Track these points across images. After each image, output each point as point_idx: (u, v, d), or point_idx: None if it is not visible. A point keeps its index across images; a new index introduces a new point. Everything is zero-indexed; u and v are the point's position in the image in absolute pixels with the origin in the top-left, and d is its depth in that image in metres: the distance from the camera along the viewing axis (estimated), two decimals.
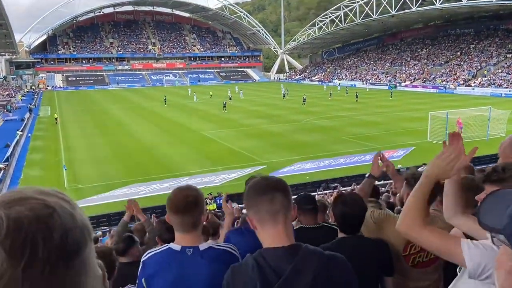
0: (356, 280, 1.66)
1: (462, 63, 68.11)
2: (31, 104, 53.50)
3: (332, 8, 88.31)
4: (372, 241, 2.68)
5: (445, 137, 24.46)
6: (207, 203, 14.97)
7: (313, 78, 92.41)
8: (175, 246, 2.10)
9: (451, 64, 69.37)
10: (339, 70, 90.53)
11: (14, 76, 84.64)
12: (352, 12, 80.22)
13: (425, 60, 75.53)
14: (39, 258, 0.58)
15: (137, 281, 2.15)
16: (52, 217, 0.62)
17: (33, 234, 0.59)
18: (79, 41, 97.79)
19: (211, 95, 58.78)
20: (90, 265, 0.64)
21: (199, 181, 18.77)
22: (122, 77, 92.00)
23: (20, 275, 0.56)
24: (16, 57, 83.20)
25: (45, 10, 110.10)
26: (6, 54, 79.42)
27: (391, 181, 16.54)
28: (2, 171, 21.76)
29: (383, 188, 12.22)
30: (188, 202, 2.08)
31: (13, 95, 64.68)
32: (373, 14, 75.23)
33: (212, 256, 2.09)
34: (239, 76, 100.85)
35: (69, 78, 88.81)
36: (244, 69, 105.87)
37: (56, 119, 38.84)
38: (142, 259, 2.16)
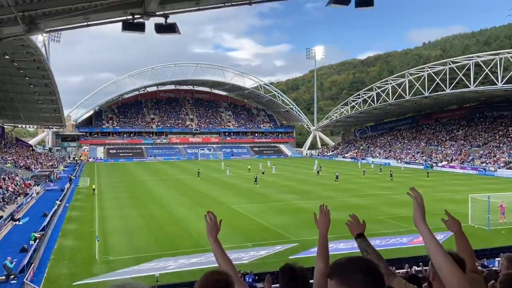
0: None
1: (501, 145, 66.47)
2: (72, 175, 55.85)
3: (365, 89, 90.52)
4: None
5: (487, 221, 23.25)
6: None
7: (346, 155, 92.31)
8: None
9: (490, 146, 67.78)
10: (372, 148, 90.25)
11: (59, 148, 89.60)
12: (385, 93, 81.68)
13: (462, 141, 74.31)
14: None
15: None
16: None
17: None
18: (123, 116, 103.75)
19: (249, 169, 59.43)
20: None
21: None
22: (160, 150, 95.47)
23: None
24: (63, 130, 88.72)
25: (94, 88, 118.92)
26: (54, 127, 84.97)
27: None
28: (38, 240, 22.18)
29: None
30: (223, 286, 2.08)
31: (56, 165, 67.94)
32: (406, 95, 76.22)
33: None
34: (271, 151, 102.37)
35: (110, 151, 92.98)
36: (277, 145, 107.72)
37: (94, 190, 40.10)
38: None
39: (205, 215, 3.01)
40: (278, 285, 2.78)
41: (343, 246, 20.46)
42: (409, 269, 15.82)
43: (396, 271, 14.43)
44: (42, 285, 16.85)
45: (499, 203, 25.56)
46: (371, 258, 2.95)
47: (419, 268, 16.27)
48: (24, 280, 16.73)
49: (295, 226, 25.31)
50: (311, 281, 2.74)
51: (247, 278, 16.17)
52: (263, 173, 53.11)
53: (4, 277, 17.52)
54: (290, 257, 17.61)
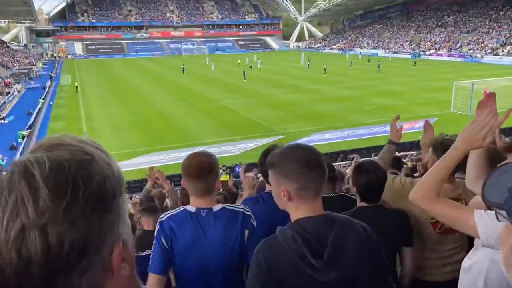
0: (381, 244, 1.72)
1: (490, 30, 65.22)
2: (52, 72, 54.14)
3: None
4: (392, 211, 2.64)
5: (469, 107, 23.80)
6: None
7: (334, 46, 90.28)
8: (190, 208, 2.18)
9: (479, 32, 66.53)
10: (360, 39, 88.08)
11: (35, 44, 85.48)
12: None
13: (452, 28, 72.62)
14: (79, 200, 0.61)
15: (154, 241, 2.20)
16: (91, 164, 0.64)
17: (74, 176, 0.61)
18: (98, 9, 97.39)
19: (239, 63, 57.81)
20: (123, 213, 0.68)
21: (217, 150, 18.81)
22: (141, 46, 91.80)
23: (61, 213, 0.59)
24: (36, 25, 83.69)
25: None
26: (26, 21, 79.96)
27: (412, 152, 16.24)
28: (26, 138, 22.29)
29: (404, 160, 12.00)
30: (202, 168, 2.12)
31: (34, 63, 65.49)
32: None
33: (225, 216, 2.16)
34: (257, 45, 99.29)
35: (89, 47, 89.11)
36: (263, 37, 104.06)
37: (76, 87, 39.28)
38: (160, 220, 2.22)
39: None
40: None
41: (329, 136, 21.08)
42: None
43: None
44: None
45: (483, 90, 25.90)
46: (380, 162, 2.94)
47: (400, 154, 16.99)
48: None
49: (281, 119, 25.65)
50: None
51: (237, 169, 16.79)
52: (250, 67, 52.08)
53: None
54: None
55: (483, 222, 1.59)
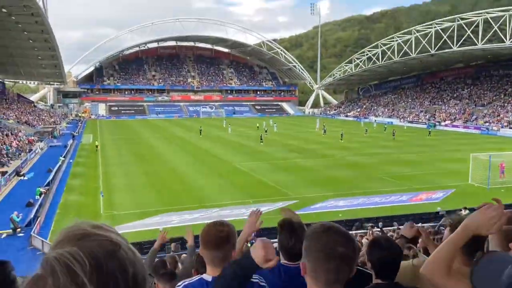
0: None
1: (506, 104, 65.83)
2: (74, 132, 56.01)
3: (370, 46, 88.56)
4: None
5: (487, 180, 23.45)
6: None
7: (349, 114, 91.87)
8: (207, 276, 2.19)
9: (494, 105, 67.16)
10: (375, 107, 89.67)
11: (61, 104, 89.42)
12: (390, 50, 79.97)
13: (467, 100, 73.59)
14: None
15: None
16: (120, 253, 0.66)
17: (112, 270, 0.63)
18: (124, 73, 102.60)
19: (258, 127, 58.85)
20: None
21: (229, 213, 18.70)
22: (161, 108, 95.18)
23: None
24: (64, 86, 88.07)
25: (94, 43, 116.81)
26: (55, 83, 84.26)
27: (429, 224, 15.80)
28: (43, 195, 22.59)
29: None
30: (220, 237, 2.15)
31: (59, 122, 68.03)
32: (412, 53, 74.67)
33: None
34: (273, 110, 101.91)
35: (112, 108, 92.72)
36: (279, 103, 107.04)
37: (97, 146, 40.35)
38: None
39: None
40: (276, 240, 2.81)
41: (343, 203, 20.79)
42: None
43: (396, 227, 14.71)
44: (49, 238, 17.32)
45: (499, 162, 25.66)
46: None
47: (418, 225, 16.58)
48: (31, 233, 17.19)
49: (296, 184, 25.60)
50: None
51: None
52: (265, 131, 53.10)
53: (11, 230, 17.99)
54: None
55: None
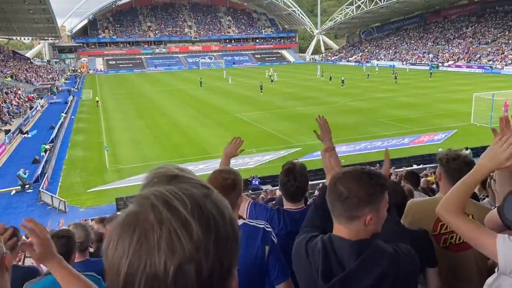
0: (418, 268, 1.68)
1: (510, 41, 64.22)
2: (74, 88, 55.55)
3: None
4: (413, 231, 2.52)
5: (490, 119, 23.39)
6: None
7: (350, 58, 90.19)
8: None
9: (498, 43, 65.56)
10: (377, 50, 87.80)
11: (57, 60, 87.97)
12: None
13: (470, 39, 71.78)
14: (222, 233, 0.62)
15: None
16: (213, 195, 0.66)
17: (210, 210, 0.63)
18: (119, 25, 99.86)
19: (271, 79, 53.37)
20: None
21: (233, 163, 18.76)
22: (160, 60, 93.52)
23: (212, 246, 0.60)
24: (59, 41, 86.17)
25: None
26: (49, 38, 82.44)
27: (431, 165, 16.00)
28: (48, 151, 22.85)
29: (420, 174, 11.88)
30: (226, 185, 2.14)
31: (57, 78, 67.30)
32: None
33: (246, 232, 2.19)
34: (274, 58, 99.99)
35: (109, 62, 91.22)
36: (279, 51, 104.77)
37: (97, 102, 40.19)
38: None
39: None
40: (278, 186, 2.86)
41: (346, 149, 20.97)
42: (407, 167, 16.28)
43: (397, 170, 14.91)
44: (58, 193, 17.74)
45: (503, 101, 25.45)
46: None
47: (419, 166, 16.80)
48: (40, 188, 17.58)
49: (298, 132, 25.67)
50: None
51: (253, 181, 16.86)
52: (272, 81, 51.92)
53: (19, 187, 18.38)
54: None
55: (505, 248, 1.56)
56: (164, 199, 0.62)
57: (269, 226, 2.29)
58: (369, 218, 1.55)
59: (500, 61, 59.16)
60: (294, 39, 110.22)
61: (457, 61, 66.60)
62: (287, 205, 2.83)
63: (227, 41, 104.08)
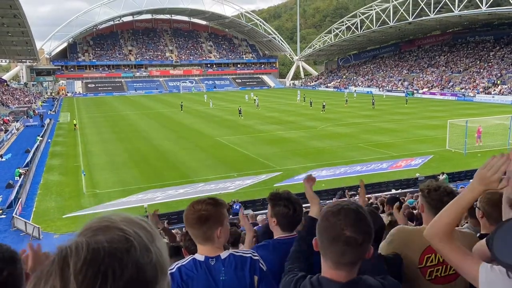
0: None
1: (481, 70, 66.97)
2: (51, 110, 54.65)
3: (348, 16, 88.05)
4: (387, 257, 2.51)
5: (464, 145, 24.11)
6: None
7: (329, 84, 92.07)
8: (199, 256, 2.18)
9: (470, 72, 68.27)
10: (355, 77, 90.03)
11: (35, 82, 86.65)
12: (369, 19, 79.79)
13: (443, 67, 74.53)
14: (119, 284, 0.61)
15: None
16: (128, 253, 0.64)
17: (105, 268, 0.61)
18: (99, 49, 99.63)
19: (254, 99, 55.65)
20: None
21: (214, 187, 18.81)
22: (140, 84, 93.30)
23: None
24: (37, 64, 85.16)
25: (66, 19, 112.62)
26: (27, 61, 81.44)
27: (409, 189, 16.28)
28: (23, 176, 22.22)
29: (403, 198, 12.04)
30: (198, 216, 2.13)
31: (34, 101, 66.18)
32: (390, 21, 74.71)
33: (233, 263, 2.16)
34: (254, 83, 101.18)
35: (89, 85, 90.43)
36: (260, 76, 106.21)
37: (75, 125, 39.57)
38: (170, 271, 2.13)
39: None
40: (266, 211, 2.84)
41: (326, 173, 21.14)
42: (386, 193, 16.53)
43: (376, 194, 15.09)
44: (31, 219, 17.16)
45: (476, 127, 26.32)
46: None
47: (398, 191, 17.04)
48: (13, 214, 16.99)
49: (279, 156, 25.82)
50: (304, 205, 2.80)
51: (234, 206, 16.73)
52: (257, 106, 52.10)
53: None
54: (274, 185, 18.16)
55: (487, 277, 1.56)
56: (65, 255, 0.63)
57: (256, 254, 2.26)
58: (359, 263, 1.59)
59: (472, 89, 61.43)
60: (274, 65, 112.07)
61: (431, 88, 68.82)
62: (279, 234, 2.78)
63: (208, 65, 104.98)
